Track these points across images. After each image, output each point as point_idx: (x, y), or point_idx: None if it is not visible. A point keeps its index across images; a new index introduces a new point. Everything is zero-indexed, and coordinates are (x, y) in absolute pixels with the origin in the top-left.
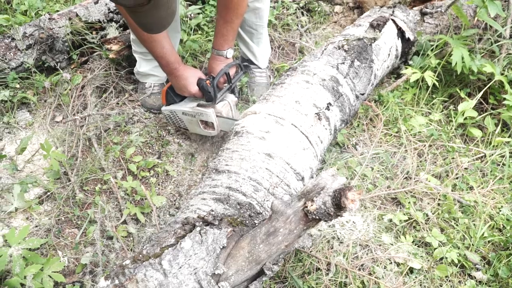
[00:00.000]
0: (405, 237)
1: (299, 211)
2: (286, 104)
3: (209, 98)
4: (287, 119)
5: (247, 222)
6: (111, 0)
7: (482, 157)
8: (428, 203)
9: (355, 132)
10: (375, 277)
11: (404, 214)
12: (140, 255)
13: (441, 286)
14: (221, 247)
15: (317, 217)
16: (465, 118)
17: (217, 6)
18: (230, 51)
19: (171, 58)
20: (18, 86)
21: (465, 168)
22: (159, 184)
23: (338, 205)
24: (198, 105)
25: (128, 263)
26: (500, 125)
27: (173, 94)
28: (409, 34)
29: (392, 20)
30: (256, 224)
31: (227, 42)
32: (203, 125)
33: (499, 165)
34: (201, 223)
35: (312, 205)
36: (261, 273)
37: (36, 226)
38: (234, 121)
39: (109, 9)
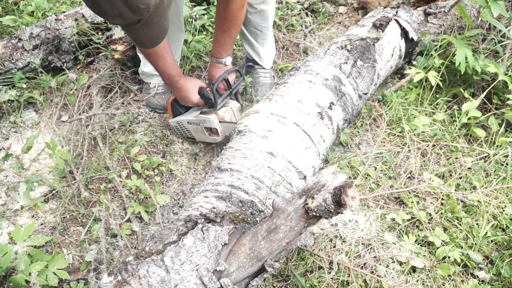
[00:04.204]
0: (408, 236)
1: (299, 208)
2: (289, 103)
3: (210, 104)
4: (289, 118)
5: (248, 219)
6: (104, 18)
7: (485, 157)
8: (431, 203)
9: (358, 132)
10: (377, 275)
11: (407, 214)
12: (143, 252)
13: (443, 285)
14: (223, 243)
15: (317, 214)
16: (469, 118)
17: (215, 17)
18: (228, 59)
19: (172, 72)
20: (24, 86)
21: (469, 168)
22: (163, 183)
23: (338, 202)
24: (201, 113)
25: (131, 260)
26: (503, 125)
27: (178, 105)
28: (412, 34)
29: (396, 20)
30: (258, 222)
31: (225, 51)
32: (208, 132)
33: (502, 165)
34: (203, 220)
35: (312, 202)
36: (262, 270)
37: (42, 224)
38: None
39: None
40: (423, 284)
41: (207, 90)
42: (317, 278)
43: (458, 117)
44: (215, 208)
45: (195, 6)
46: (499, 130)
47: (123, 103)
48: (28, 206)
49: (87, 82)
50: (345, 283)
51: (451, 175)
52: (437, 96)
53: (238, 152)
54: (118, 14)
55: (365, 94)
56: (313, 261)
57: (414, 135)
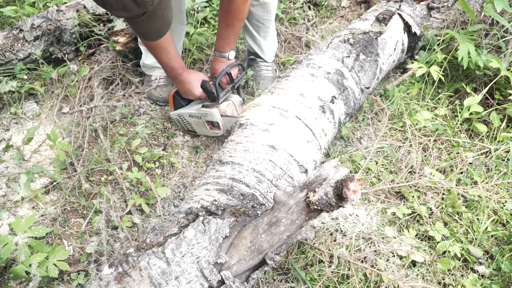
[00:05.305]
0: (408, 231)
1: (301, 201)
2: (291, 96)
3: (213, 98)
4: (291, 111)
5: (249, 212)
6: (107, 10)
7: (487, 152)
8: (432, 197)
9: (360, 126)
10: (377, 269)
11: (408, 208)
12: (144, 244)
13: (443, 279)
14: (224, 236)
15: (319, 208)
16: (471, 113)
17: (219, 10)
18: (232, 53)
19: (175, 64)
20: (25, 77)
21: (470, 163)
22: (164, 176)
23: (340, 196)
24: (203, 106)
25: (132, 252)
26: (505, 121)
27: (180, 98)
28: (415, 29)
29: (399, 14)
30: (259, 215)
31: (228, 45)
32: (209, 125)
33: (503, 160)
34: (204, 213)
35: (314, 196)
36: (263, 262)
37: (42, 215)
38: None
39: None
40: (423, 278)
41: (210, 83)
42: (317, 272)
43: (459, 112)
44: (216, 201)
45: None
46: (500, 126)
47: (124, 95)
48: (28, 197)
49: (88, 73)
50: (345, 276)
51: (452, 170)
52: (439, 91)
53: (239, 145)
54: (123, 7)
55: (367, 88)
56: (314, 254)
57: (416, 129)
